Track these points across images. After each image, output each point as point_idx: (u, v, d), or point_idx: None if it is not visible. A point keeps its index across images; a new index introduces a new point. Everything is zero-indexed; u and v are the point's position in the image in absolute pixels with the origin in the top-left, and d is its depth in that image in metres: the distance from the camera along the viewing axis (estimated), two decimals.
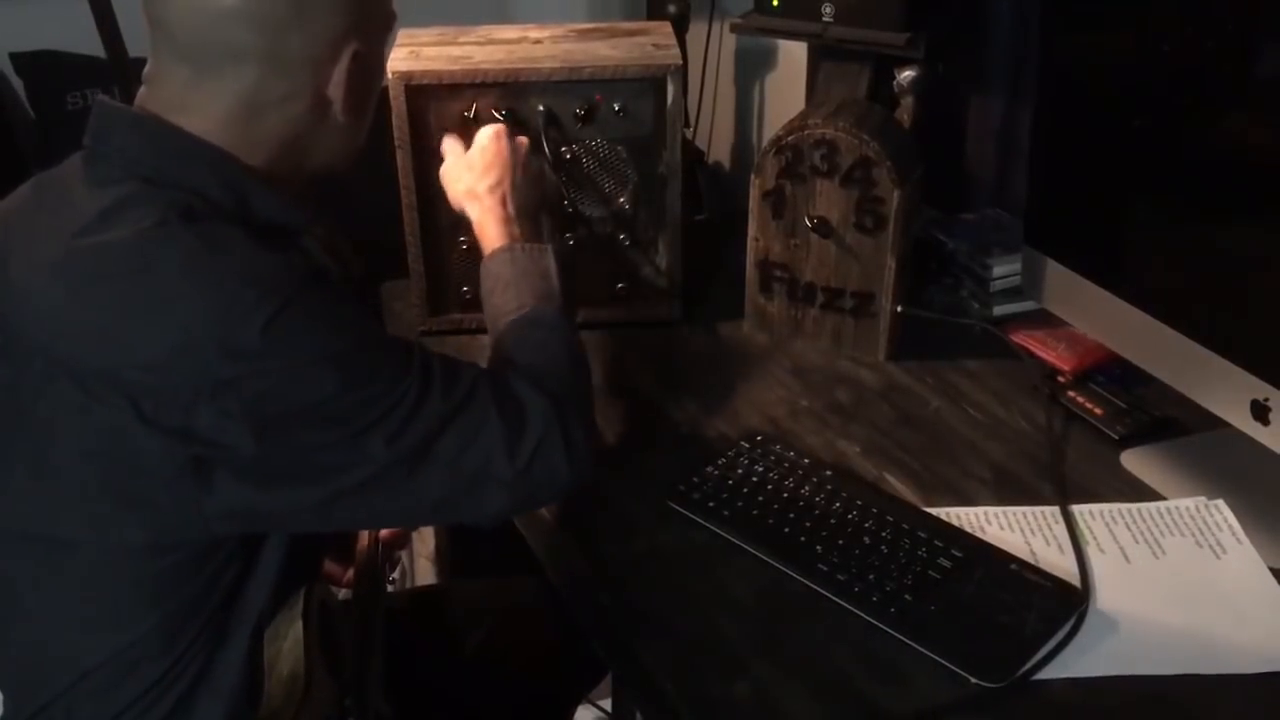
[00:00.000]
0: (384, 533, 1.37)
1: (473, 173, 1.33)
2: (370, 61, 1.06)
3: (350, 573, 1.34)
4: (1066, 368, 1.42)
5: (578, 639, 1.25)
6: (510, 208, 1.31)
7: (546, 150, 1.45)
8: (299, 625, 1.01)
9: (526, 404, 1.06)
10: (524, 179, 1.34)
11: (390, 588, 1.46)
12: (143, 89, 1.04)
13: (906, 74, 1.55)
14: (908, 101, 1.56)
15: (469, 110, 1.44)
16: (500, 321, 1.22)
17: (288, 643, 1.01)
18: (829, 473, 1.25)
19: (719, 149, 2.18)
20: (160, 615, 0.99)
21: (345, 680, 1.11)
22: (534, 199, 1.35)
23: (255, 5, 0.97)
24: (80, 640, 1.00)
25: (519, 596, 1.53)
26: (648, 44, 1.51)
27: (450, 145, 1.38)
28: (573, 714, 1.64)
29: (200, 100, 1.00)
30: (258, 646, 1.02)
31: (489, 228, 1.30)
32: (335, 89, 1.03)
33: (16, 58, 2.55)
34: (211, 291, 0.92)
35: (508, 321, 1.20)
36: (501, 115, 1.44)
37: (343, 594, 1.41)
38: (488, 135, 1.35)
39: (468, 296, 1.56)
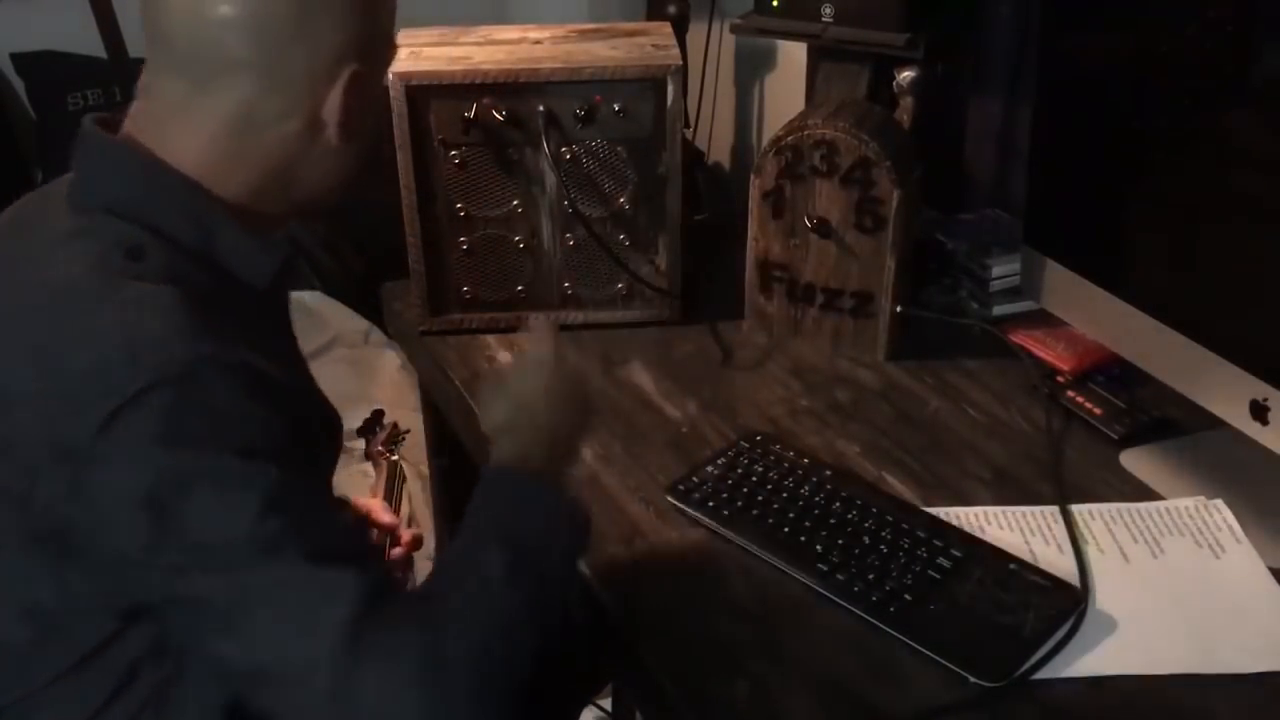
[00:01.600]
0: (396, 551, 1.37)
1: (511, 411, 1.08)
2: (369, 86, 1.03)
3: None
4: (1066, 368, 1.42)
5: (582, 645, 1.25)
6: (540, 448, 1.06)
7: (547, 150, 1.45)
8: None
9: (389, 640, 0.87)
10: (565, 426, 1.09)
11: None
12: (136, 101, 1.01)
13: (906, 74, 1.55)
14: (907, 101, 1.57)
15: (469, 110, 1.44)
16: (462, 533, 1.00)
17: None
18: (829, 473, 1.25)
19: (719, 149, 2.19)
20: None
21: None
22: (570, 444, 1.11)
23: (255, 16, 0.95)
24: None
25: None
26: (648, 44, 1.51)
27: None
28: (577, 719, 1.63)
29: (192, 115, 0.98)
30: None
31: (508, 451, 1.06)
32: (330, 111, 1.00)
33: (17, 58, 2.56)
34: (96, 358, 0.88)
35: (463, 541, 0.99)
36: (501, 116, 1.44)
37: None
38: (537, 375, 1.09)
39: (468, 297, 1.56)
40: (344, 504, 1.15)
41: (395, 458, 1.51)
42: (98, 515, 0.88)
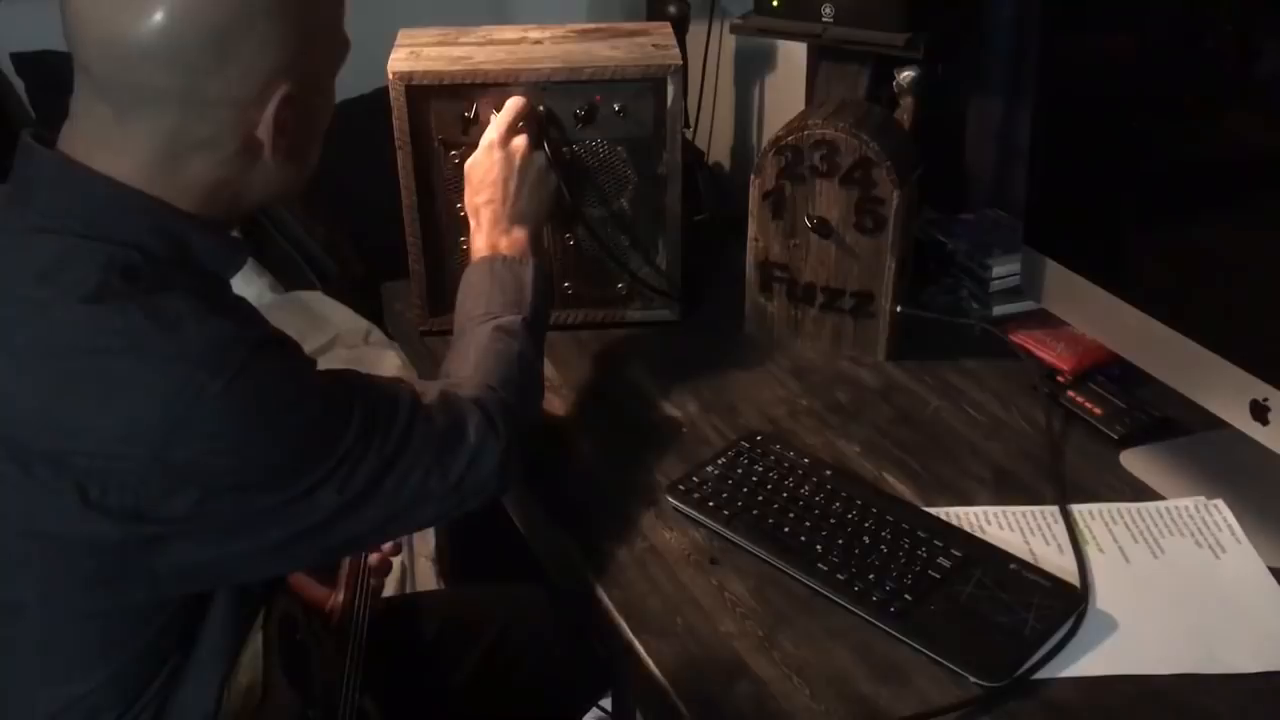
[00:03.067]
0: (373, 558, 1.37)
1: (469, 188, 1.37)
2: (307, 100, 1.00)
3: (335, 597, 1.33)
4: (1066, 367, 1.42)
5: (585, 648, 1.25)
6: (502, 223, 1.34)
7: (546, 149, 1.45)
8: (259, 638, 1.02)
9: (464, 419, 1.09)
10: (519, 190, 1.36)
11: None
12: (66, 123, 0.98)
13: (906, 74, 1.55)
14: (907, 101, 1.57)
15: (469, 110, 1.44)
16: (464, 324, 1.27)
17: (247, 655, 1.01)
18: (829, 472, 1.25)
19: (719, 149, 2.19)
20: (113, 668, 0.98)
21: (312, 692, 1.10)
22: (530, 211, 1.37)
23: (171, 46, 0.91)
24: (39, 690, 0.99)
25: (524, 604, 1.53)
26: (648, 44, 1.51)
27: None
28: None
29: (122, 141, 0.96)
30: (221, 688, 1.02)
31: (477, 240, 1.35)
32: (265, 131, 0.97)
33: (17, 58, 2.55)
34: (162, 375, 0.90)
35: (471, 324, 1.26)
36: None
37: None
38: (481, 149, 1.37)
39: None
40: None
41: None
42: (235, 453, 0.93)
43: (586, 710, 1.67)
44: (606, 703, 1.94)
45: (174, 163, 0.97)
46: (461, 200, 1.50)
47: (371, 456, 1.01)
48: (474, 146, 1.43)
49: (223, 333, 0.93)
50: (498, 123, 1.38)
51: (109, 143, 0.96)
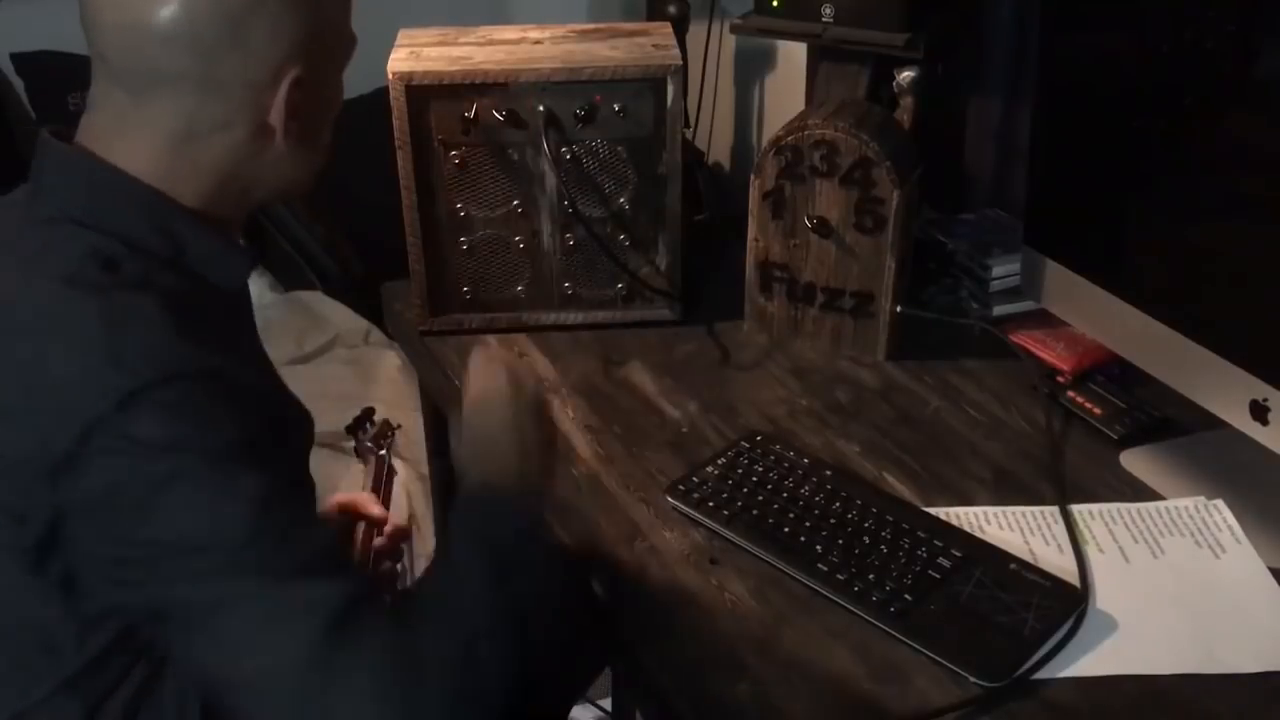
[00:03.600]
0: (378, 541, 1.36)
1: (474, 446, 1.07)
2: (317, 88, 1.01)
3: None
4: (1066, 367, 1.42)
5: (580, 630, 1.24)
6: (506, 477, 1.05)
7: (547, 150, 1.45)
8: None
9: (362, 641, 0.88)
10: (528, 451, 1.06)
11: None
12: (84, 115, 1.01)
13: (906, 74, 1.55)
14: (907, 101, 1.57)
15: (469, 110, 1.44)
16: (437, 552, 1.09)
17: None
18: (829, 472, 1.25)
19: (719, 149, 2.19)
20: (66, 673, 0.97)
21: None
22: (535, 469, 1.08)
23: (186, 28, 0.93)
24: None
25: None
26: (648, 44, 1.51)
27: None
28: (571, 709, 1.63)
29: (137, 127, 0.98)
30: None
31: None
32: (276, 116, 0.99)
33: (16, 58, 2.56)
34: (81, 367, 0.89)
35: (439, 557, 1.03)
36: (501, 116, 1.44)
37: None
38: (492, 410, 1.07)
39: (468, 297, 1.56)
40: (320, 518, 1.14)
41: (383, 453, 1.51)
42: (84, 521, 0.89)
43: (582, 691, 1.65)
44: (607, 702, 1.95)
45: (187, 149, 0.98)
46: (461, 200, 1.50)
47: (222, 581, 0.88)
48: (474, 146, 1.43)
49: (166, 347, 0.90)
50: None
51: (124, 131, 0.98)
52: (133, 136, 0.98)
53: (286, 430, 1.04)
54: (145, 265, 0.96)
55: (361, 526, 1.37)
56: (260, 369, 1.09)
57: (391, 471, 1.50)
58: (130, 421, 0.87)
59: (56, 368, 0.90)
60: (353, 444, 1.60)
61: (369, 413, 1.60)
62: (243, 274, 1.06)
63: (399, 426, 1.64)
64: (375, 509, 1.40)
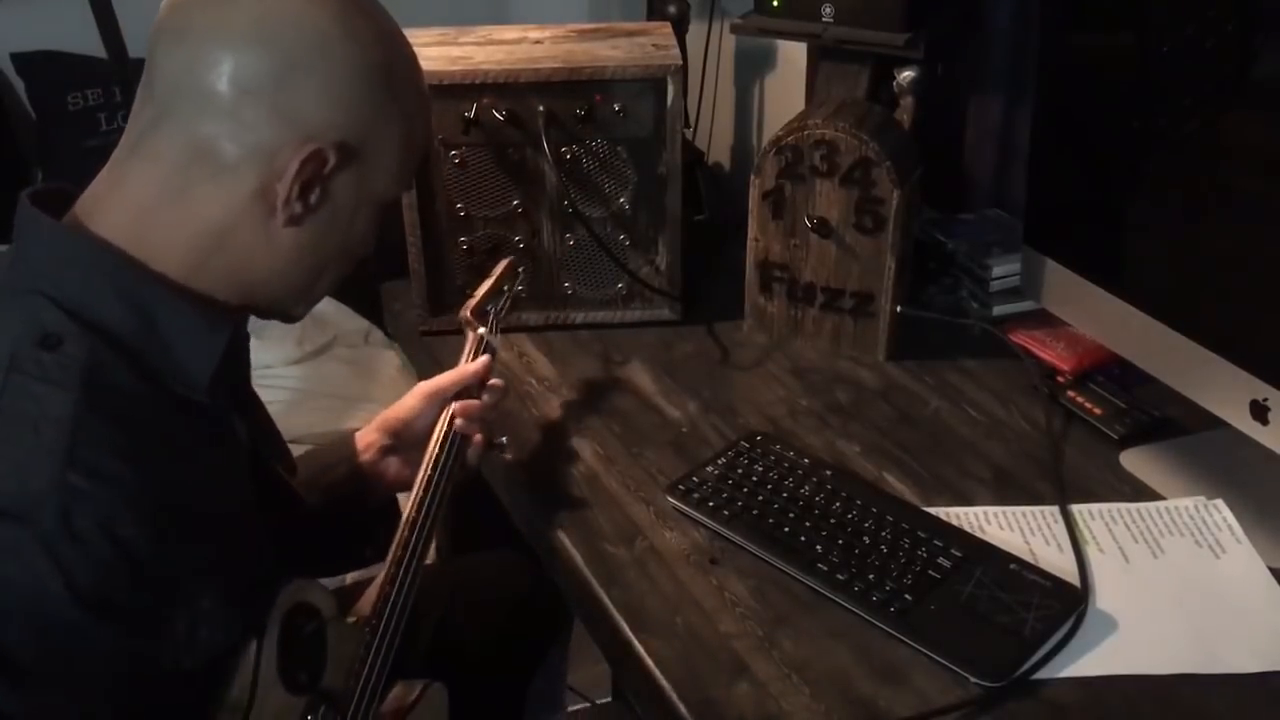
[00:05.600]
0: (459, 422, 1.24)
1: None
2: (342, 182, 0.96)
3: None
4: (1066, 368, 1.42)
5: (543, 586, 1.22)
6: None
7: (547, 150, 1.45)
8: (253, 644, 0.97)
9: None
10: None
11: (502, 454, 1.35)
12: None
13: (906, 74, 1.55)
14: (908, 101, 1.57)
15: (469, 110, 1.44)
16: None
17: (241, 662, 0.96)
18: (829, 472, 1.25)
19: (719, 149, 2.18)
20: None
21: (317, 690, 1.04)
22: None
23: (238, 53, 0.90)
24: None
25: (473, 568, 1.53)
26: (648, 44, 1.51)
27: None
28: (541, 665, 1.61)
29: (150, 152, 0.93)
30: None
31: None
32: (284, 185, 0.93)
33: (17, 58, 2.55)
34: None
35: None
36: (501, 116, 1.44)
37: (350, 579, 1.39)
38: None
39: (468, 297, 1.56)
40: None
41: (482, 330, 1.36)
42: None
43: (547, 648, 1.63)
44: (605, 700, 1.95)
45: (186, 185, 0.93)
46: (461, 200, 1.50)
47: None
48: (474, 146, 1.43)
49: (42, 460, 0.83)
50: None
51: (123, 179, 0.94)
52: (131, 182, 0.94)
53: (212, 555, 0.95)
54: (92, 348, 0.89)
55: (450, 408, 1.26)
56: (210, 487, 0.98)
57: (491, 350, 1.36)
58: None
59: None
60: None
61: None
62: (209, 360, 0.95)
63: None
64: (473, 367, 1.29)
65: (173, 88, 0.93)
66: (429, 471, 1.19)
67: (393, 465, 1.26)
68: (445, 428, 1.22)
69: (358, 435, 1.28)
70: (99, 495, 0.84)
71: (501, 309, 1.39)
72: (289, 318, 1.06)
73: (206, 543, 0.95)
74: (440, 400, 1.26)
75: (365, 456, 1.26)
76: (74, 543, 0.83)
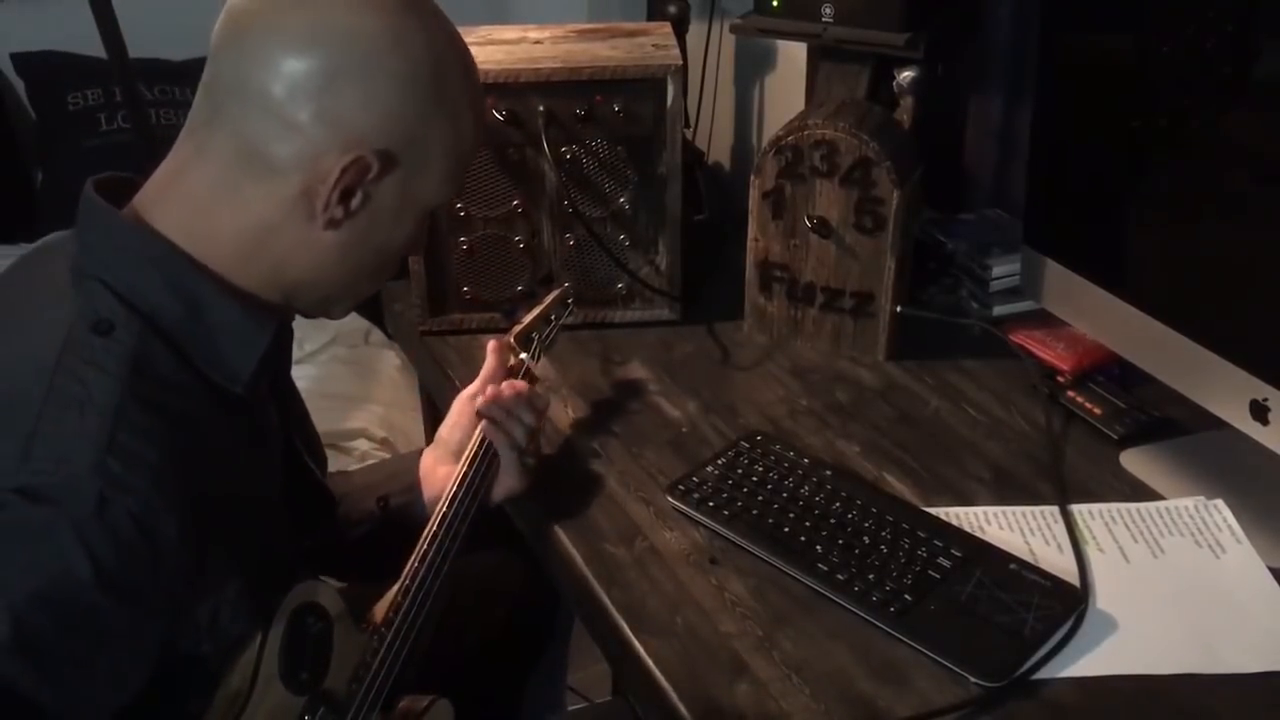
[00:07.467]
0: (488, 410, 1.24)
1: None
2: (383, 190, 0.97)
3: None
4: (1066, 367, 1.42)
5: (543, 586, 1.22)
6: None
7: (547, 150, 1.45)
8: (257, 638, 0.98)
9: None
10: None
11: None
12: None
13: (906, 74, 1.55)
14: (908, 101, 1.57)
15: None
16: None
17: (244, 656, 0.97)
18: (829, 472, 1.25)
19: (719, 149, 2.19)
20: None
21: (318, 689, 1.05)
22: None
23: (289, 57, 0.92)
24: None
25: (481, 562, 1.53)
26: (648, 44, 1.51)
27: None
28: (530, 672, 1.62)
29: (205, 144, 0.95)
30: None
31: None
32: (325, 188, 0.94)
33: (17, 58, 2.56)
34: (12, 422, 0.86)
35: None
36: (501, 116, 1.44)
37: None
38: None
39: (468, 297, 1.56)
40: None
41: (523, 356, 1.33)
42: None
43: (540, 652, 1.63)
44: (605, 700, 1.95)
45: (236, 184, 0.95)
46: (461, 200, 1.50)
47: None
48: None
49: (82, 445, 0.85)
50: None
51: (190, 154, 0.96)
52: (187, 178, 0.96)
53: (242, 543, 0.97)
54: (142, 335, 0.91)
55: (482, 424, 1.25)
56: (246, 478, 1.01)
57: (531, 378, 1.33)
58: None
59: (8, 424, 0.86)
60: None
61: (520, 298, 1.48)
62: (252, 356, 0.98)
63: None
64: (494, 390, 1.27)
65: (227, 87, 0.95)
66: (455, 489, 1.20)
67: (440, 475, 1.28)
68: (476, 446, 1.23)
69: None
70: (135, 484, 0.86)
71: (547, 338, 1.38)
72: (330, 316, 1.09)
73: (237, 533, 0.96)
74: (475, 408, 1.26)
75: (422, 465, 1.30)
76: (105, 529, 0.84)
